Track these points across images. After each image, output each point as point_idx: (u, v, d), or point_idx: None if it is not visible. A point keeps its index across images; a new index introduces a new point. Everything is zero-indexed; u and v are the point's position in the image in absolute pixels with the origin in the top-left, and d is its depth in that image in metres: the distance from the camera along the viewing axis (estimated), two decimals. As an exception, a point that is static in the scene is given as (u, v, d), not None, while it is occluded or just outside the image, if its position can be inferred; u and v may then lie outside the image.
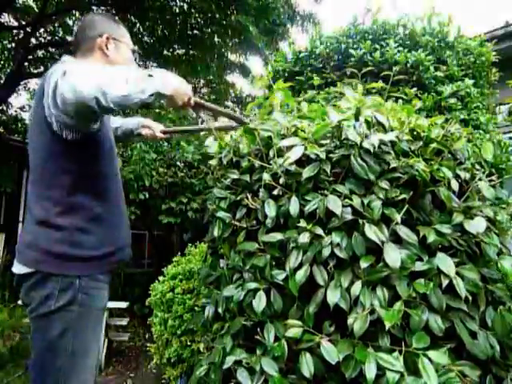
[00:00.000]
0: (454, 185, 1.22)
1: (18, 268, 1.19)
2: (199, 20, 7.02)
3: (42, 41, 8.01)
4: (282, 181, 1.28)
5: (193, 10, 6.81)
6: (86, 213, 1.22)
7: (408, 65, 2.53)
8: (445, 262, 1.10)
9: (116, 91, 0.99)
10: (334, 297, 1.11)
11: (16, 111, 8.77)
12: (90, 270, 1.20)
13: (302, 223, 1.19)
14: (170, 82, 1.10)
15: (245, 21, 5.61)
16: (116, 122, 1.74)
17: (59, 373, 1.12)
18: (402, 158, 1.25)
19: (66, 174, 1.19)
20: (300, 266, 1.18)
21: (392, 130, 1.32)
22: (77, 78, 1.01)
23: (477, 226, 1.15)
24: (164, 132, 1.79)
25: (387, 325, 1.00)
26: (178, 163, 4.86)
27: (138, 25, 7.74)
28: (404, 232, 1.16)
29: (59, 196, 1.18)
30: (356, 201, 1.18)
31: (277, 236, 1.24)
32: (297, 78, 2.91)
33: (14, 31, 7.80)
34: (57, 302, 1.12)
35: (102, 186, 1.29)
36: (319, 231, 1.17)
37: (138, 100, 1.03)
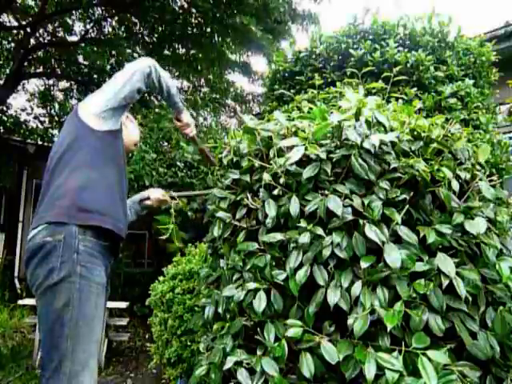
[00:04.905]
0: (455, 185, 1.22)
1: (30, 237, 1.34)
2: (199, 19, 7.01)
3: (42, 41, 8.01)
4: (282, 181, 1.28)
5: (193, 10, 6.80)
6: (101, 183, 1.42)
7: (408, 65, 2.53)
8: (445, 263, 1.10)
9: (167, 78, 1.53)
10: (334, 297, 1.11)
11: (16, 111, 8.75)
12: (92, 221, 1.35)
13: (303, 223, 1.19)
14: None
15: (247, 21, 5.59)
16: None
17: (66, 342, 1.23)
18: (402, 158, 1.25)
19: (92, 150, 1.43)
20: (300, 266, 1.18)
21: (392, 130, 1.31)
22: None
23: (477, 226, 1.15)
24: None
25: (388, 326, 1.00)
26: (178, 163, 4.85)
27: (138, 25, 7.74)
28: (404, 232, 1.16)
29: (86, 166, 1.40)
30: (356, 201, 1.18)
31: (277, 236, 1.24)
32: (297, 77, 2.91)
33: (14, 31, 7.80)
34: (58, 274, 1.26)
35: (116, 168, 1.50)
36: (319, 231, 1.17)
37: (175, 93, 1.57)
